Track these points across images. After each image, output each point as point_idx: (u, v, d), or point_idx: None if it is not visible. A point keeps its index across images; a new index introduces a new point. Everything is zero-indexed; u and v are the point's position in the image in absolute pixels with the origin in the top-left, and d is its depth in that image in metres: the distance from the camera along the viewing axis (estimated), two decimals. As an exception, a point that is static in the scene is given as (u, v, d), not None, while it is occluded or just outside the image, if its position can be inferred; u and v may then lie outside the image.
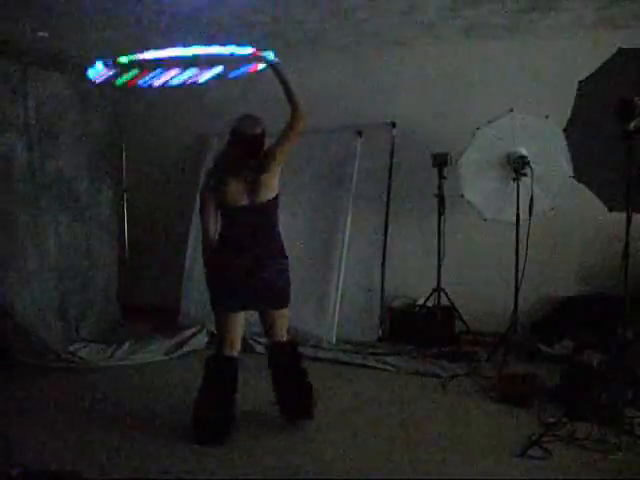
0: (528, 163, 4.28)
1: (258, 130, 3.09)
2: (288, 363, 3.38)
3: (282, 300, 3.31)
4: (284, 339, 3.36)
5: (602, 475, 2.72)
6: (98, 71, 2.99)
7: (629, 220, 3.09)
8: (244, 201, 3.14)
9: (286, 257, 3.30)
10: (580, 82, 3.51)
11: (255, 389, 3.60)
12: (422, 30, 4.88)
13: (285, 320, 3.37)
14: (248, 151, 3.12)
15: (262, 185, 3.13)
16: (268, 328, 3.36)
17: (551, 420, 3.18)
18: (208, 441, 3.09)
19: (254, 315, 3.36)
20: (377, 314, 5.15)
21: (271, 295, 3.25)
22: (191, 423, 3.15)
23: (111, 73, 3.00)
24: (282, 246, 3.30)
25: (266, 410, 3.44)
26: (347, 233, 5.15)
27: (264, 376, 3.41)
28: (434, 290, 4.92)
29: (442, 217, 4.85)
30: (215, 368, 3.22)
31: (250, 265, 3.13)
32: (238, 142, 3.12)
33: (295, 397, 3.35)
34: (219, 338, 3.32)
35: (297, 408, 3.35)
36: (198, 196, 3.55)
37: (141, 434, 3.22)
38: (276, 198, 3.22)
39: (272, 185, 3.17)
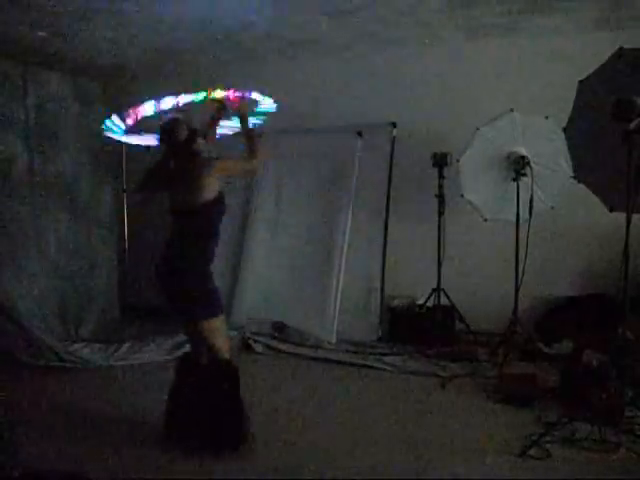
0: (528, 163, 4.28)
1: (182, 135, 2.99)
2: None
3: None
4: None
5: (602, 475, 2.72)
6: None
7: (629, 220, 3.08)
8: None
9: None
10: (580, 82, 3.51)
11: (253, 389, 3.60)
12: (422, 30, 4.88)
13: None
14: (173, 153, 3.06)
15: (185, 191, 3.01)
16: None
17: (551, 420, 3.18)
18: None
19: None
20: (377, 314, 5.16)
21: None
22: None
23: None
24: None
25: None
26: (347, 233, 5.14)
27: (264, 377, 3.40)
28: (434, 290, 4.92)
29: (442, 217, 4.85)
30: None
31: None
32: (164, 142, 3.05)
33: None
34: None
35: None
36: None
37: (141, 434, 3.22)
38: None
39: (200, 191, 2.97)
